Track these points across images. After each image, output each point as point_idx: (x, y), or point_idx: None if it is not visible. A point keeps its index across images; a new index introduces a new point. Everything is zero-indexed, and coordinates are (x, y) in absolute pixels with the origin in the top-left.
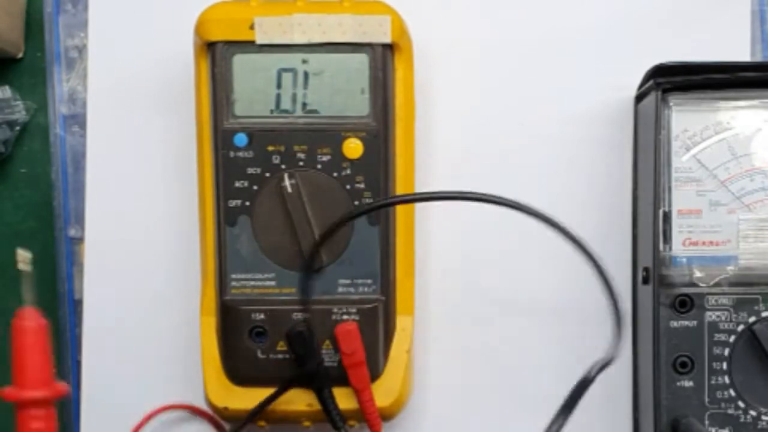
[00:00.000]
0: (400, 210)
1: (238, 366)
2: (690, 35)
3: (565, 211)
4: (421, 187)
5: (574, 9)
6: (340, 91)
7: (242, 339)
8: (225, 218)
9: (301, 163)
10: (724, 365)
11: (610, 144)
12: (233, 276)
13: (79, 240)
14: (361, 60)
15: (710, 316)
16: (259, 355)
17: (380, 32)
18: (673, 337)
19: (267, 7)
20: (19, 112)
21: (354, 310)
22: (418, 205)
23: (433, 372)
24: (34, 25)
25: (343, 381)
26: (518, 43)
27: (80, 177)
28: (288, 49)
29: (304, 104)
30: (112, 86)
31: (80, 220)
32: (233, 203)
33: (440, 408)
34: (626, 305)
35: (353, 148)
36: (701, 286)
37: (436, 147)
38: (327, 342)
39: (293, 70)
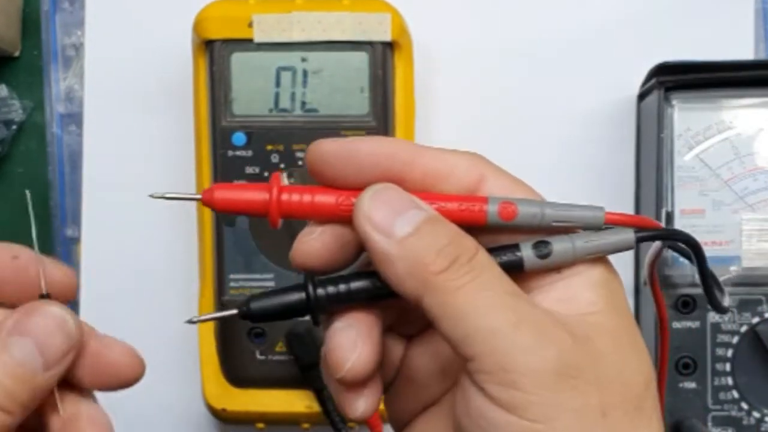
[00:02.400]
0: None
1: (236, 367)
2: (693, 33)
3: None
4: None
5: (576, 7)
6: (339, 89)
7: (241, 340)
8: (223, 218)
9: (300, 162)
10: (728, 366)
11: (612, 143)
12: (232, 276)
13: (76, 240)
14: (361, 58)
15: (713, 317)
16: (258, 356)
17: (380, 30)
18: (676, 338)
19: (266, 4)
20: (16, 111)
21: None
22: None
23: None
24: (31, 24)
25: None
26: (519, 42)
27: (77, 176)
28: (287, 48)
29: (303, 103)
30: (110, 85)
31: (77, 220)
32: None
33: None
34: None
35: None
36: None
37: (436, 146)
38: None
39: (292, 69)
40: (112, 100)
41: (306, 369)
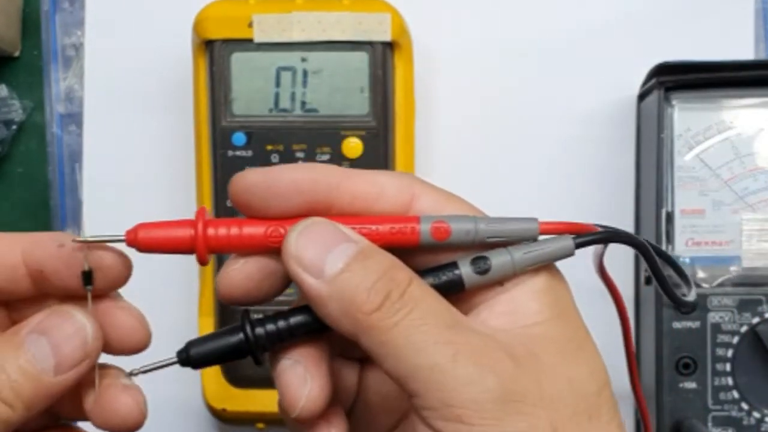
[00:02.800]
0: None
1: (236, 367)
2: (693, 33)
3: (567, 211)
4: None
5: (576, 7)
6: (339, 89)
7: None
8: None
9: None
10: (728, 367)
11: (612, 143)
12: None
13: None
14: (361, 58)
15: (713, 317)
16: None
17: (380, 30)
18: (676, 339)
19: (265, 4)
20: (16, 111)
21: None
22: None
23: None
24: (31, 24)
25: None
26: (519, 42)
27: (77, 176)
28: (287, 48)
29: (303, 103)
30: (110, 85)
31: (77, 220)
32: (231, 203)
33: None
34: (629, 307)
35: (353, 147)
36: (704, 287)
37: (436, 146)
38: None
39: (292, 69)
40: (112, 100)
41: None
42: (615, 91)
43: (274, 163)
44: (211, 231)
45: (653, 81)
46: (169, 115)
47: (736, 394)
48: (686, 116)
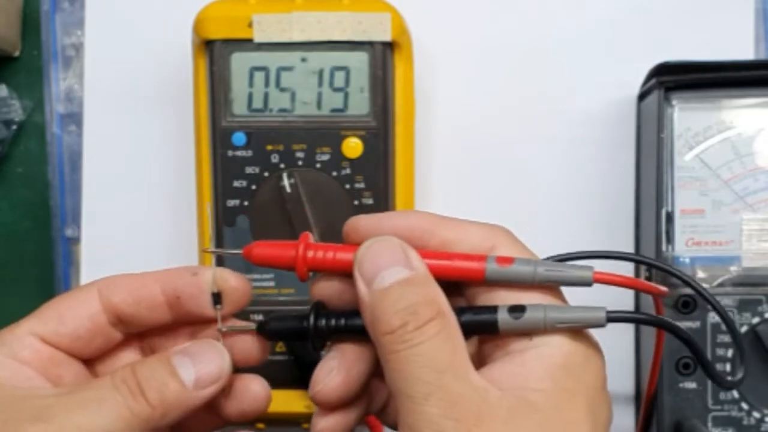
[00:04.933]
0: (399, 207)
1: (236, 367)
2: (693, 33)
3: (567, 211)
4: (420, 187)
5: (576, 7)
6: (339, 89)
7: None
8: (223, 218)
9: (300, 163)
10: (728, 367)
11: (612, 143)
12: None
13: (76, 240)
14: (361, 58)
15: (713, 317)
16: None
17: (380, 30)
18: (676, 338)
19: (265, 4)
20: (16, 111)
21: None
22: (418, 203)
23: None
24: (30, 24)
25: None
26: (519, 42)
27: (77, 176)
28: (287, 48)
29: (304, 103)
30: (110, 85)
31: (77, 220)
32: (231, 203)
33: None
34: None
35: (353, 147)
36: (704, 287)
37: (436, 146)
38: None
39: (292, 69)
40: (112, 100)
41: (306, 369)
42: (615, 91)
43: (275, 164)
44: (309, 253)
45: (653, 81)
46: (169, 115)
47: (736, 394)
48: (686, 116)
